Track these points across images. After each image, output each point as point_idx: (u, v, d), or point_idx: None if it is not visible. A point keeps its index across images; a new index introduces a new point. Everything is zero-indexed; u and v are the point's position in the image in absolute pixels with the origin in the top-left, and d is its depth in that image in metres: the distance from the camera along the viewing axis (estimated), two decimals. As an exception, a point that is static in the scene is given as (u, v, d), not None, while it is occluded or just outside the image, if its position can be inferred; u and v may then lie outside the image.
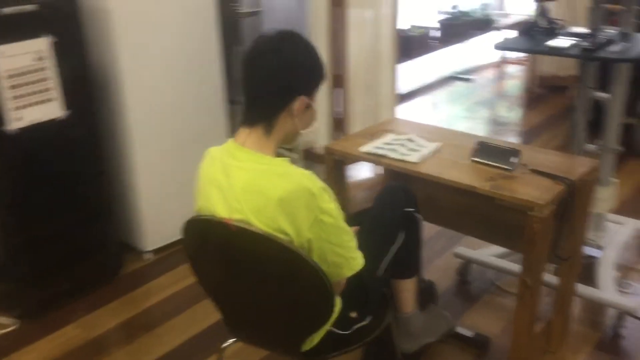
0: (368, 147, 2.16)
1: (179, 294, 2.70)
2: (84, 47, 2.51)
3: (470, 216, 2.37)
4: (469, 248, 2.75)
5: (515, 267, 2.59)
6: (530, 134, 4.48)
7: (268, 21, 3.16)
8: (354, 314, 1.63)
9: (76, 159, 2.56)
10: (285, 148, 1.76)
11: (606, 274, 2.50)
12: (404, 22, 4.39)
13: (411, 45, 4.09)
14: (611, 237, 2.73)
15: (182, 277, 2.80)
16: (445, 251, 2.89)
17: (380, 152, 2.12)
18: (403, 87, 5.27)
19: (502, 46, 2.42)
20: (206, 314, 2.51)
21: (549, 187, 1.85)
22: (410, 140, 2.21)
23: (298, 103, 1.48)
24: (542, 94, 5.25)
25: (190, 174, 2.95)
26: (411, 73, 5.54)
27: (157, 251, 2.98)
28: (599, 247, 2.68)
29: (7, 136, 2.27)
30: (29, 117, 2.30)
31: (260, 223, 1.41)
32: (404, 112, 4.97)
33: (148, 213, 2.88)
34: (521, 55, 5.94)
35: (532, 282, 1.86)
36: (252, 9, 3.04)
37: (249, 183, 1.44)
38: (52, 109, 2.37)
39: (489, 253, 2.69)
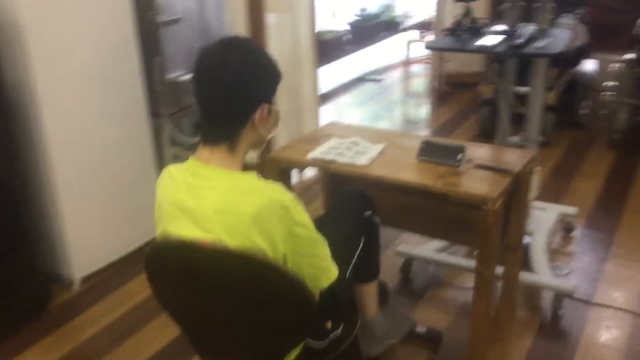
0: (315, 153, 2.14)
1: (115, 324, 2.53)
2: (-6, 64, 2.31)
3: (412, 214, 2.41)
4: (409, 245, 2.80)
5: (456, 260, 2.68)
6: (442, 130, 4.65)
7: (187, 29, 3.06)
8: (329, 324, 1.60)
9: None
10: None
11: (539, 258, 2.62)
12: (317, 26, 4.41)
13: (325, 49, 4.11)
14: (538, 223, 2.88)
15: (116, 305, 2.64)
16: (385, 250, 2.92)
17: (329, 157, 2.11)
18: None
19: (433, 46, 2.48)
20: (148, 342, 2.39)
21: (497, 180, 1.92)
22: (355, 143, 2.22)
23: (259, 113, 1.43)
24: (449, 91, 5.46)
25: (116, 193, 2.84)
26: (324, 76, 5.59)
27: (86, 279, 2.79)
28: (528, 234, 2.81)
29: None
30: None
31: (234, 242, 1.35)
32: (324, 115, 5.01)
33: (73, 238, 2.70)
34: (425, 54, 6.18)
35: (488, 272, 1.91)
36: (171, 17, 2.93)
37: (220, 202, 1.37)
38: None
39: (429, 248, 2.75)
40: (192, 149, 3.61)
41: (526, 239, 2.78)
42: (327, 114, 5.04)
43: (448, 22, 5.18)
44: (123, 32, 2.73)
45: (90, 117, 2.67)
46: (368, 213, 1.89)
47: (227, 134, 1.42)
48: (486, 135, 4.28)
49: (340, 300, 1.71)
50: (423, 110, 5.35)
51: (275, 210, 1.36)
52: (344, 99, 5.54)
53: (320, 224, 1.88)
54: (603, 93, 3.95)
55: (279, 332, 1.44)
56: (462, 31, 2.50)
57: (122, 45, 2.73)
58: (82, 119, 2.63)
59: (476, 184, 1.90)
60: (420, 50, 6.33)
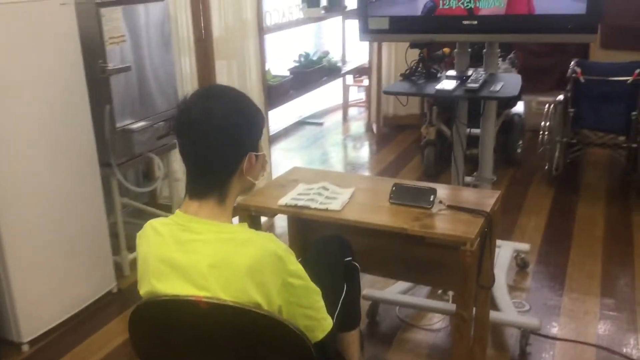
0: (286, 200, 2.10)
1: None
2: None
3: (383, 257, 2.40)
4: (373, 289, 2.78)
5: (420, 301, 2.68)
6: (387, 172, 4.72)
7: (138, 77, 2.98)
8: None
9: None
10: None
11: (503, 296, 2.67)
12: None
13: (270, 94, 4.11)
14: (496, 260, 2.93)
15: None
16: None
17: (300, 203, 2.08)
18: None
19: (390, 91, 2.53)
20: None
21: (471, 221, 1.94)
22: (324, 188, 2.20)
23: (247, 161, 1.39)
24: (387, 133, 5.58)
25: (66, 247, 2.67)
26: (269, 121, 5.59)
27: (34, 342, 2.59)
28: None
29: None
30: None
31: (230, 297, 1.28)
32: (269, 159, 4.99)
33: (21, 298, 2.50)
34: (362, 98, 6.32)
35: (467, 314, 1.92)
36: (121, 66, 2.84)
37: (214, 256, 1.31)
38: None
39: (394, 291, 2.74)
40: (139, 199, 3.48)
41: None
42: (272, 158, 5.02)
43: (385, 67, 5.36)
44: (73, 81, 2.63)
45: (39, 167, 2.52)
46: (348, 259, 1.86)
47: (215, 186, 1.37)
48: (430, 175, 4.39)
49: (327, 350, 1.66)
50: (365, 152, 5.43)
51: (269, 260, 1.32)
52: (286, 144, 5.54)
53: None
54: (541, 132, 4.14)
55: None
56: (417, 76, 2.56)
57: (72, 93, 2.63)
58: (30, 169, 2.48)
59: (452, 225, 1.92)
60: (356, 94, 6.47)
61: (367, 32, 2.60)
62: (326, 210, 2.03)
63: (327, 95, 6.24)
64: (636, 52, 4.54)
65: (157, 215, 3.52)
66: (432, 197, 2.04)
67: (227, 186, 1.38)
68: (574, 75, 3.95)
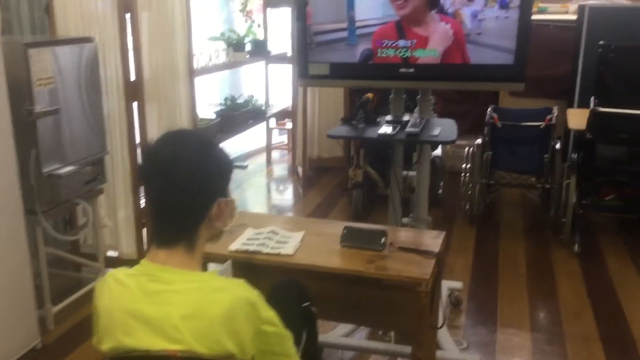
0: (236, 245, 2.06)
1: None
2: None
3: (329, 300, 2.38)
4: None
5: (365, 343, 2.68)
6: (316, 214, 4.74)
7: (66, 120, 2.85)
8: None
9: None
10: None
11: (444, 334, 2.72)
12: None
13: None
14: (432, 299, 3.00)
15: None
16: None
17: (252, 248, 2.04)
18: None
19: (335, 135, 2.57)
20: None
21: (422, 262, 1.98)
22: (274, 232, 2.18)
23: (216, 208, 1.36)
24: (312, 175, 5.63)
25: None
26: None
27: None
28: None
29: None
30: None
31: (204, 349, 1.23)
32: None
33: None
34: (284, 141, 6.36)
35: (425, 356, 1.93)
36: (49, 108, 2.71)
37: (187, 306, 1.25)
38: None
39: (337, 334, 2.72)
40: (60, 247, 3.28)
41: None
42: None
43: (309, 110, 5.45)
44: (-2, 124, 2.48)
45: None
46: (306, 304, 1.84)
47: (183, 234, 1.33)
48: (359, 217, 4.45)
49: None
50: (290, 195, 5.44)
51: (243, 308, 1.28)
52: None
53: None
54: (462, 175, 4.33)
55: None
56: (357, 121, 2.62)
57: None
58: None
59: (406, 266, 1.95)
60: (279, 137, 6.51)
61: (307, 77, 2.64)
62: (278, 254, 2.01)
63: (250, 138, 6.23)
64: (540, 99, 4.91)
65: (83, 264, 3.35)
66: (383, 239, 2.07)
67: (195, 233, 1.33)
68: (491, 120, 4.18)
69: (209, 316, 1.24)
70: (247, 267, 2.22)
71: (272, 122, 6.19)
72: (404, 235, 2.21)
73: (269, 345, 1.34)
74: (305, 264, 1.97)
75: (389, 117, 2.67)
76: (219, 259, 2.06)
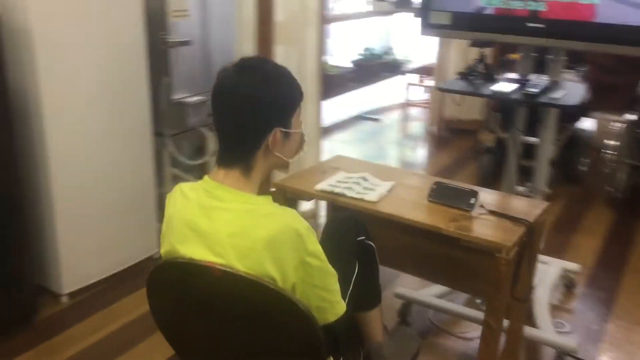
0: (323, 185, 2.07)
1: (102, 343, 2.43)
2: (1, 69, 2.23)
3: (416, 256, 2.33)
4: (408, 288, 2.72)
5: (455, 307, 2.59)
6: (440, 175, 4.60)
7: (196, 52, 3.02)
8: (330, 359, 1.50)
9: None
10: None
11: (543, 313, 2.55)
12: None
13: (328, 84, 4.08)
14: (541, 277, 2.81)
15: (104, 323, 2.54)
16: (383, 291, 2.82)
17: (337, 190, 2.04)
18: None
19: (445, 88, 2.45)
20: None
21: (511, 229, 1.85)
22: (364, 179, 2.16)
23: (272, 138, 1.36)
24: (447, 136, 5.46)
25: (113, 209, 2.74)
26: (325, 112, 5.56)
27: (73, 294, 2.68)
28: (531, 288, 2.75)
29: None
30: None
31: (245, 268, 1.27)
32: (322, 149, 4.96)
33: (66, 252, 2.59)
34: (424, 98, 6.20)
35: (496, 324, 1.83)
36: (182, 39, 2.88)
37: (234, 225, 1.30)
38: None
39: (429, 293, 2.66)
40: (191, 171, 3.51)
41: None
42: (324, 149, 5.00)
43: (450, 69, 5.23)
44: (134, 50, 2.68)
45: (94, 130, 2.59)
46: (361, 238, 1.82)
47: (240, 157, 1.36)
48: (486, 184, 4.24)
49: (340, 331, 1.62)
50: (420, 153, 5.33)
51: (289, 237, 1.29)
52: (341, 136, 5.51)
53: None
54: (604, 151, 3.94)
55: None
56: (475, 76, 2.47)
57: (132, 62, 2.68)
58: (85, 132, 2.56)
59: (490, 230, 1.84)
60: (418, 93, 6.36)
61: (428, 26, 2.53)
62: (362, 200, 1.99)
63: (388, 92, 6.17)
64: None
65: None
66: (472, 200, 1.97)
67: (252, 159, 1.36)
68: (646, 94, 3.74)
69: (253, 238, 1.27)
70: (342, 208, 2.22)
71: (414, 78, 6.06)
72: (501, 200, 2.07)
73: (311, 277, 1.34)
74: (385, 213, 1.93)
75: (511, 75, 2.49)
76: (305, 196, 2.09)
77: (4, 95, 2.25)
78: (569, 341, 2.39)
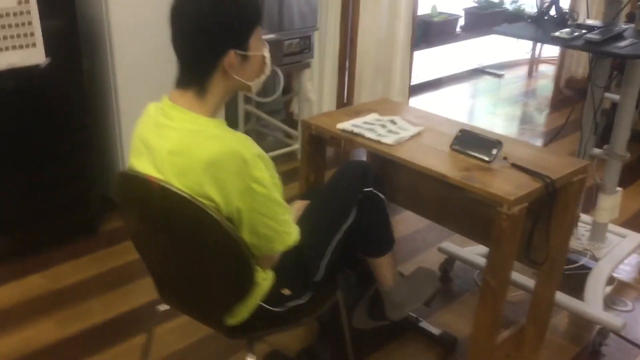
0: (345, 125, 2.04)
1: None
2: None
3: (449, 208, 2.25)
4: (457, 245, 2.62)
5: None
6: (548, 136, 4.27)
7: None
8: (286, 291, 1.53)
9: (58, 109, 2.51)
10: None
11: (595, 287, 2.33)
12: (426, 6, 4.17)
13: (432, 31, 3.90)
14: (610, 249, 2.56)
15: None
16: (432, 246, 2.76)
17: (357, 130, 2.00)
18: (423, 76, 5.11)
19: (502, 30, 2.25)
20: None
21: (525, 184, 1.71)
22: (392, 122, 2.09)
23: (227, 59, 1.33)
24: (570, 95, 5.01)
25: None
26: (434, 61, 5.36)
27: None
28: (594, 258, 2.52)
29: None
30: (6, 60, 2.25)
31: (182, 186, 1.31)
32: (424, 101, 4.82)
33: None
34: (555, 54, 5.71)
35: (495, 282, 1.73)
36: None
37: (176, 144, 1.33)
38: (33, 55, 2.31)
39: (475, 252, 2.55)
40: (262, 108, 3.58)
41: (591, 264, 2.49)
42: (429, 102, 4.85)
43: (582, 16, 4.73)
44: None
45: (162, 57, 2.69)
46: (368, 189, 1.78)
47: (195, 78, 1.36)
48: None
49: (312, 271, 1.63)
50: (538, 113, 4.96)
51: (233, 161, 1.30)
52: (458, 89, 5.28)
53: (315, 191, 1.83)
54: None
55: (217, 285, 1.40)
56: (546, 21, 2.25)
57: None
58: (153, 59, 2.70)
59: (499, 183, 1.71)
60: (551, 49, 5.85)
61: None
62: (378, 142, 1.93)
63: (516, 47, 5.75)
64: None
65: (280, 129, 3.66)
66: (495, 151, 1.83)
67: (207, 80, 1.35)
68: None
69: (193, 157, 1.30)
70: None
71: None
72: (532, 154, 1.90)
73: (257, 205, 1.35)
74: (398, 157, 1.86)
75: (590, 22, 2.22)
76: (325, 134, 2.07)
77: (73, 18, 2.44)
78: (613, 318, 2.17)
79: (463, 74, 5.54)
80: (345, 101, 3.56)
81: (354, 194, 1.74)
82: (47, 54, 2.36)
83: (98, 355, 2.08)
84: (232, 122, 3.27)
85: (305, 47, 3.30)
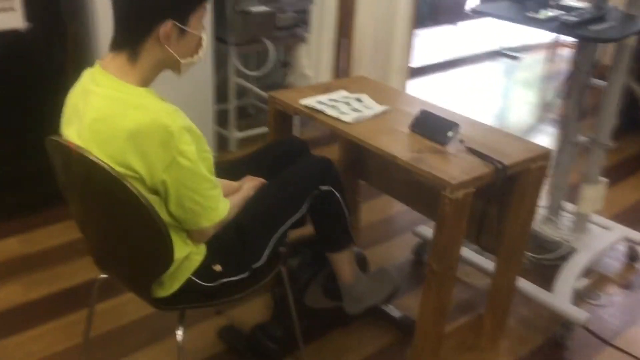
0: (309, 101, 2.01)
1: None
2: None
3: (418, 191, 2.21)
4: (432, 228, 2.58)
5: (470, 255, 2.41)
6: (561, 122, 4.14)
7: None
8: (217, 267, 1.52)
9: (41, 75, 2.54)
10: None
11: (567, 278, 2.27)
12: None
13: (439, 8, 3.79)
14: (589, 241, 2.48)
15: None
16: (408, 229, 2.72)
17: (319, 107, 1.97)
18: (433, 57, 4.99)
19: (477, 10, 2.16)
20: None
21: (475, 168, 1.66)
22: (358, 100, 2.05)
23: (163, 28, 1.33)
24: (593, 83, 4.84)
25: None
26: (445, 41, 5.23)
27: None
28: (572, 250, 2.45)
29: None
30: (-17, 25, 2.28)
31: (104, 155, 1.30)
32: (430, 83, 4.72)
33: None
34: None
35: (439, 267, 1.69)
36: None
37: (100, 111, 1.33)
38: (12, 20, 2.33)
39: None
40: (255, 82, 3.55)
41: (567, 254, 2.43)
42: (444, 85, 4.75)
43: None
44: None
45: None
46: (325, 187, 1.75)
47: (128, 41, 1.35)
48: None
49: (251, 256, 1.61)
50: (552, 98, 4.82)
51: (157, 133, 1.29)
52: (468, 69, 5.15)
53: (257, 160, 1.84)
54: None
55: (138, 256, 1.41)
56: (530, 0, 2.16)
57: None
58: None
59: (447, 166, 1.66)
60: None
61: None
62: (337, 120, 1.90)
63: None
64: None
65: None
66: (450, 134, 1.79)
67: (140, 46, 1.34)
68: None
69: (116, 127, 1.30)
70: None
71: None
72: (491, 139, 1.84)
73: (183, 178, 1.35)
74: (353, 136, 1.83)
75: (572, 3, 2.13)
76: (288, 109, 2.04)
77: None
78: (577, 311, 2.12)
79: (480, 55, 5.40)
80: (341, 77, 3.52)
81: (308, 190, 1.72)
82: (28, 19, 2.38)
83: (60, 319, 2.13)
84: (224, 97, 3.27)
85: (300, 20, 3.26)
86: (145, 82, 1.39)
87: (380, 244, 2.64)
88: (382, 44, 3.59)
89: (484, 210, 1.83)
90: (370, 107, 2.01)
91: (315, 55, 3.53)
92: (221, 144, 3.31)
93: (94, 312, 1.80)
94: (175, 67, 1.43)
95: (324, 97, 2.05)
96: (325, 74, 3.56)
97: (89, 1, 2.60)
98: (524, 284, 2.20)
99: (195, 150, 1.36)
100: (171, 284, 1.49)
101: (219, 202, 1.45)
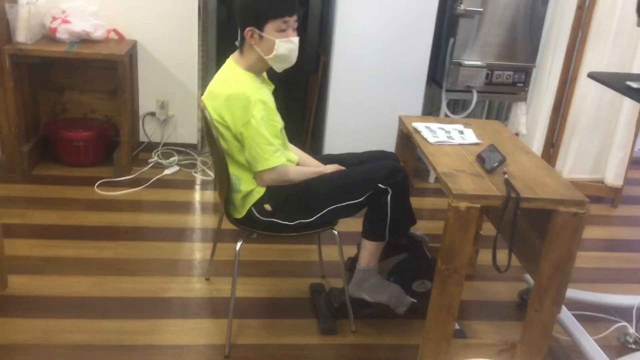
0: (418, 124, 2.41)
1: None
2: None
3: (519, 242, 2.32)
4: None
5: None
6: None
7: (486, 21, 3.41)
8: (267, 207, 2.12)
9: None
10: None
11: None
12: None
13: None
14: None
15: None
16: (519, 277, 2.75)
17: (421, 129, 2.36)
18: None
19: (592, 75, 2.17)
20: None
21: (487, 190, 1.89)
22: (460, 132, 2.37)
23: (247, 33, 2.05)
24: None
25: (372, 140, 3.44)
26: None
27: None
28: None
29: None
30: None
31: (210, 108, 2.07)
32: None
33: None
34: None
35: (444, 267, 1.91)
36: (474, 8, 3.34)
37: (216, 80, 2.13)
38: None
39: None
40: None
41: None
42: None
43: None
44: (426, 13, 3.42)
45: (374, 67, 3.49)
46: (381, 186, 2.11)
47: (240, 43, 2.12)
48: None
49: (306, 211, 2.14)
50: None
51: (241, 99, 2.01)
52: None
53: (352, 158, 2.35)
54: None
55: (220, 177, 2.15)
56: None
57: (421, 22, 3.42)
58: (364, 68, 3.47)
59: (468, 184, 1.91)
60: None
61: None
62: (423, 139, 2.28)
63: None
64: None
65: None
66: (495, 163, 2.02)
67: (243, 44, 2.09)
68: None
69: (219, 91, 2.07)
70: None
71: None
72: (544, 182, 1.95)
73: (250, 133, 2.02)
74: (423, 150, 2.17)
75: None
76: (403, 126, 2.46)
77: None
78: None
79: None
80: (553, 143, 3.57)
81: (370, 184, 2.13)
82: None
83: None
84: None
85: (518, 80, 3.54)
86: (250, 68, 2.12)
87: (493, 282, 2.79)
88: (604, 120, 3.56)
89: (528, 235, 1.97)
90: (465, 138, 2.32)
91: (533, 116, 3.72)
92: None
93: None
94: (265, 63, 2.11)
95: (434, 124, 2.44)
96: (539, 136, 3.68)
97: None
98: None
99: (265, 117, 2.02)
100: (241, 210, 2.18)
101: (272, 156, 2.06)
